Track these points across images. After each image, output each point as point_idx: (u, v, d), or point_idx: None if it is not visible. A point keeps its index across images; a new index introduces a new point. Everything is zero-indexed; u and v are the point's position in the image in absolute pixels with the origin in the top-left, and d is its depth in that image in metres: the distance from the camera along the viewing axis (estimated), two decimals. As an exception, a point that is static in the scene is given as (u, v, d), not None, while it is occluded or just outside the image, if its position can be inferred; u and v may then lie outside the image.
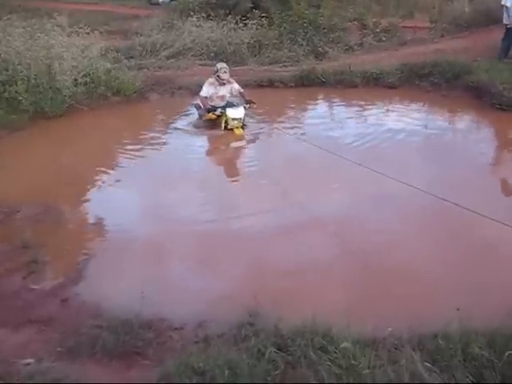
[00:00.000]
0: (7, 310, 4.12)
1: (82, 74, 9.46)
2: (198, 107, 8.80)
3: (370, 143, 7.72)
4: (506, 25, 10.60)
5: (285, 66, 12.04)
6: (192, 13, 13.86)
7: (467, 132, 8.59)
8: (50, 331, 3.83)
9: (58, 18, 10.07)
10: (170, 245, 5.15)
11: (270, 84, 10.96)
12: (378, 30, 13.98)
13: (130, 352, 3.52)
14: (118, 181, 6.70)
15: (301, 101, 10.34)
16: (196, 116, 8.79)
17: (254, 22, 13.25)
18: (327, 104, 10.20)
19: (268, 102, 9.63)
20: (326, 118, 9.33)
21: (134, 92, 10.10)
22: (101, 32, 10.82)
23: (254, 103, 8.43)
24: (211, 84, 8.46)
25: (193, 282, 4.55)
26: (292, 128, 8.53)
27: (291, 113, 9.55)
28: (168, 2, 20.34)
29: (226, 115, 8.11)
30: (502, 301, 4.07)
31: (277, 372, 3.07)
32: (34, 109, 8.71)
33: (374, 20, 14.42)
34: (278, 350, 3.26)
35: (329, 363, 3.10)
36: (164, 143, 7.98)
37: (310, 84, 10.85)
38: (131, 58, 12.26)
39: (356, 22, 14.56)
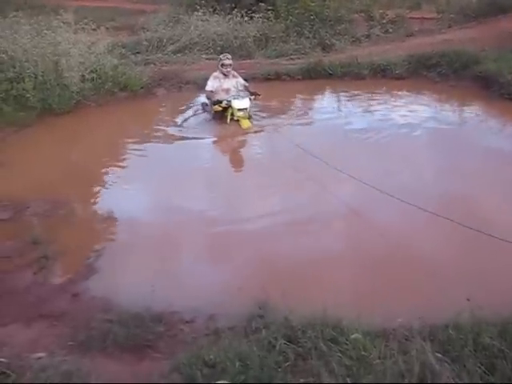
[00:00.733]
0: (19, 305, 4.14)
1: (89, 70, 9.48)
2: (204, 105, 8.88)
3: (378, 135, 7.69)
4: None
5: (291, 58, 12.03)
6: (198, 7, 13.85)
7: (476, 122, 8.53)
8: (61, 326, 3.84)
9: (64, 14, 10.08)
10: (178, 239, 5.15)
11: (277, 77, 10.95)
12: (384, 22, 13.95)
13: (141, 345, 3.53)
14: (127, 176, 6.72)
15: (308, 93, 10.31)
16: (204, 111, 8.86)
17: (260, 15, 13.24)
18: (335, 96, 10.17)
19: (275, 95, 9.62)
20: (333, 110, 9.30)
21: (141, 87, 10.13)
22: (107, 28, 10.80)
23: (259, 95, 8.48)
24: (215, 78, 8.55)
25: (202, 275, 4.56)
26: (298, 121, 8.54)
27: (299, 105, 9.51)
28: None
29: (231, 106, 8.13)
30: (513, 290, 4.06)
31: (287, 364, 3.07)
32: (41, 105, 8.74)
33: (381, 11, 14.40)
34: (289, 341, 3.25)
35: (339, 354, 3.10)
36: (172, 138, 7.97)
37: (317, 76, 10.85)
38: (138, 53, 12.31)
39: (362, 14, 14.55)
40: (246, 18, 13.25)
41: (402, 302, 3.91)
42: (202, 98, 9.05)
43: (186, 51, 12.67)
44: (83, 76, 9.33)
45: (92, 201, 6.11)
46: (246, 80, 9.02)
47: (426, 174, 6.34)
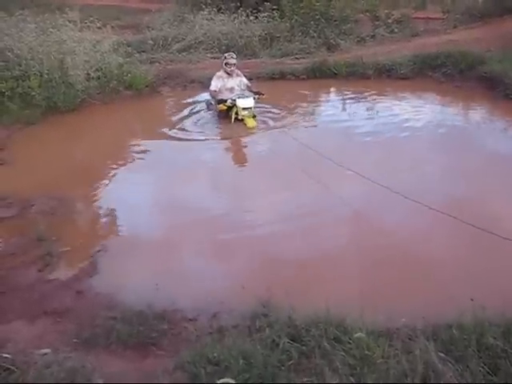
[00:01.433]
0: (23, 302, 4.16)
1: (94, 68, 9.52)
2: (208, 104, 8.90)
3: (383, 135, 7.70)
4: None
5: (296, 58, 12.04)
6: (203, 6, 13.88)
7: (481, 123, 8.51)
8: (65, 323, 3.86)
9: (69, 12, 10.12)
10: (183, 237, 5.16)
11: (282, 76, 10.96)
12: (390, 22, 13.93)
13: (145, 342, 3.54)
14: (131, 174, 6.76)
15: (313, 93, 10.31)
16: (208, 110, 8.90)
17: (265, 14, 13.25)
18: (340, 96, 10.16)
19: (280, 95, 9.63)
20: (338, 110, 9.30)
21: (146, 86, 10.18)
22: (112, 26, 10.83)
23: (263, 94, 8.50)
24: (219, 77, 8.60)
25: (206, 274, 4.56)
26: (303, 120, 8.56)
27: (304, 104, 9.51)
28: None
29: (236, 106, 8.15)
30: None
31: (291, 362, 3.08)
32: (46, 103, 8.79)
33: (386, 11, 14.38)
34: (292, 340, 3.26)
35: (343, 353, 3.10)
36: (176, 137, 7.98)
37: (322, 76, 10.86)
38: (143, 51, 12.36)
39: (368, 14, 14.51)
40: (251, 18, 13.26)
41: (405, 301, 3.91)
42: (207, 97, 9.05)
43: (191, 50, 12.71)
44: (88, 74, 9.37)
45: (96, 198, 6.12)
46: (250, 79, 9.05)
47: (430, 173, 6.32)
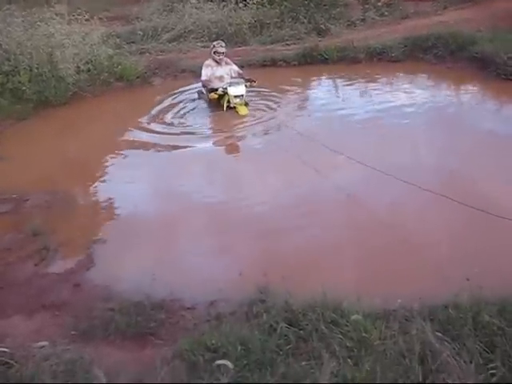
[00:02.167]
0: (20, 296, 4.18)
1: (84, 61, 9.46)
2: (200, 93, 8.88)
3: (375, 118, 7.70)
4: None
5: (287, 44, 11.94)
6: (192, -5, 13.75)
7: (473, 103, 8.50)
8: (63, 316, 3.88)
9: (56, 6, 10.04)
10: (178, 227, 5.17)
11: (273, 63, 10.88)
12: (379, 5, 13.77)
13: (143, 333, 3.57)
14: (125, 166, 6.77)
15: (305, 78, 10.26)
16: (199, 99, 8.88)
17: (254, 1, 13.09)
18: (331, 81, 10.13)
19: (271, 81, 9.59)
20: (330, 95, 9.28)
21: (137, 77, 10.12)
22: (100, 18, 10.73)
23: (255, 81, 8.49)
24: (207, 66, 8.58)
25: (203, 262, 4.58)
26: (296, 106, 8.55)
27: (296, 90, 9.48)
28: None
29: (227, 94, 8.13)
30: (512, 269, 4.07)
31: (289, 346, 3.10)
32: (37, 98, 8.75)
33: (376, -6, 14.24)
34: (290, 325, 3.28)
35: (340, 336, 3.13)
36: (169, 127, 7.96)
37: (313, 62, 10.77)
38: (133, 42, 12.26)
39: (357, -3, 14.38)
40: (240, 5, 13.12)
41: (401, 283, 3.94)
42: (198, 86, 9.01)
43: (181, 39, 12.59)
44: (78, 67, 9.31)
45: (91, 191, 6.12)
46: (242, 67, 9.01)
47: (423, 154, 6.35)
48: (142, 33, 12.76)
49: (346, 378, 2.80)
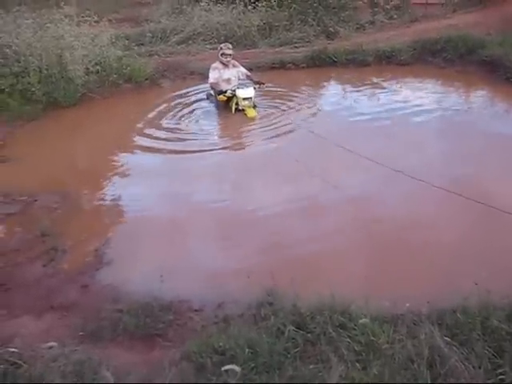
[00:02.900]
0: (29, 297, 4.19)
1: (93, 62, 9.47)
2: (209, 95, 8.89)
3: (385, 121, 7.71)
4: None
5: (296, 47, 11.96)
6: (201, -3, 13.78)
7: (482, 107, 8.47)
8: (71, 317, 3.88)
9: (66, 7, 10.08)
10: (186, 228, 5.18)
11: (282, 66, 10.92)
12: (388, 8, 13.81)
13: (151, 334, 3.57)
14: (134, 167, 6.75)
15: (313, 81, 10.27)
16: (208, 101, 8.91)
17: (264, 3, 13.12)
18: (340, 83, 10.13)
19: (280, 84, 9.60)
20: (339, 97, 9.28)
21: (146, 79, 10.13)
22: (110, 20, 10.76)
23: (264, 83, 8.51)
24: (215, 69, 8.59)
25: (211, 264, 4.57)
26: (305, 108, 8.54)
27: (304, 93, 9.47)
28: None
29: (236, 96, 8.14)
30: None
31: (296, 350, 3.10)
32: (47, 99, 8.78)
33: (385, -3, 14.24)
34: (298, 328, 3.28)
35: (348, 340, 3.13)
36: (177, 129, 7.97)
37: (321, 64, 10.79)
38: (141, 44, 12.29)
39: (366, 0, 14.39)
40: (249, 7, 13.16)
41: (409, 286, 3.93)
42: (207, 88, 9.03)
43: (190, 42, 12.63)
44: (87, 68, 9.33)
45: (99, 192, 6.13)
46: (250, 69, 9.01)
47: (433, 156, 6.33)
48: (151, 35, 12.80)
49: (354, 381, 2.80)
